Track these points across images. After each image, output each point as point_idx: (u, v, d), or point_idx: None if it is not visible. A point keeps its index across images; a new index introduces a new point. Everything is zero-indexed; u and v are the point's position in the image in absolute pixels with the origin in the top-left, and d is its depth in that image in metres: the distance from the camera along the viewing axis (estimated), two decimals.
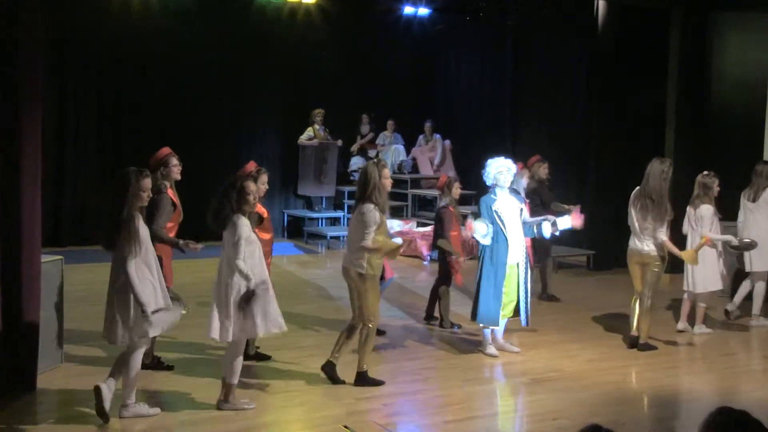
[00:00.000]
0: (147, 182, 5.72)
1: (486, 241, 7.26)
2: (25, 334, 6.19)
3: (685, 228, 8.45)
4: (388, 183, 6.64)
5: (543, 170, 9.72)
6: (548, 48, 13.52)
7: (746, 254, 8.79)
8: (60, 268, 6.87)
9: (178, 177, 6.97)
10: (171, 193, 6.88)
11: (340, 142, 14.28)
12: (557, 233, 7.89)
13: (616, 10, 11.97)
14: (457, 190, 8.53)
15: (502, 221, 7.24)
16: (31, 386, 6.23)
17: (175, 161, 6.97)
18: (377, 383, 6.56)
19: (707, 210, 8.20)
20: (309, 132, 14.02)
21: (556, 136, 12.90)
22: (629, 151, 11.34)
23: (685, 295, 8.53)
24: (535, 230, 7.62)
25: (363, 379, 6.57)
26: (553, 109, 13.35)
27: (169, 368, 6.88)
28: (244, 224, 5.79)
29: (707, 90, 11.59)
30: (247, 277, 5.71)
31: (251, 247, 5.81)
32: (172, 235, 6.84)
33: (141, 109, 13.20)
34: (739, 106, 11.14)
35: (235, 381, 5.96)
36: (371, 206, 6.41)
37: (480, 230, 7.24)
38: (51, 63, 11.42)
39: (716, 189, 8.30)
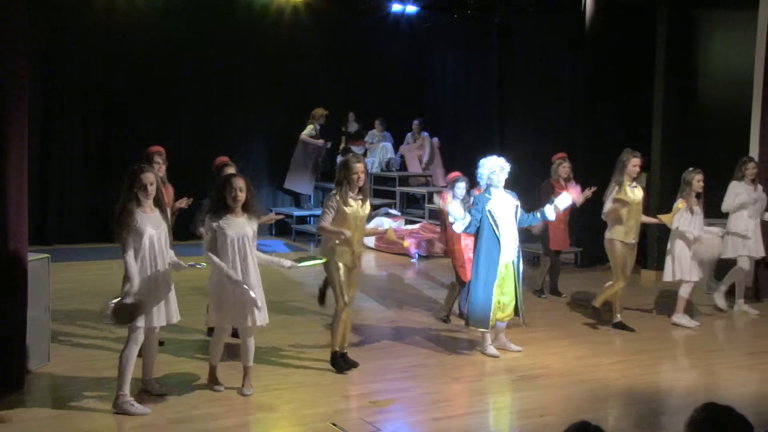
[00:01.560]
0: (145, 176, 5.83)
1: (458, 227, 7.31)
2: (13, 333, 6.16)
3: None
4: (355, 177, 6.66)
5: (562, 169, 9.64)
6: (535, 45, 13.55)
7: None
8: (47, 266, 6.84)
9: (161, 175, 7.11)
10: None
11: (329, 144, 14.31)
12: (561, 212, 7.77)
13: (603, 7, 12.01)
14: (460, 190, 8.53)
15: (495, 221, 7.19)
16: (19, 385, 6.20)
17: (158, 159, 7.12)
18: (350, 364, 6.84)
19: (680, 204, 8.44)
20: (311, 130, 14.01)
21: (544, 133, 12.94)
22: (616, 148, 11.35)
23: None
24: (539, 215, 7.52)
25: (332, 360, 6.85)
26: (540, 106, 13.38)
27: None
28: (207, 222, 6.16)
29: (694, 86, 11.64)
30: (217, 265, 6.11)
31: (222, 240, 6.06)
32: None
33: (127, 107, 13.18)
34: (726, 102, 11.19)
35: (213, 362, 6.36)
36: (331, 194, 6.76)
37: (454, 211, 7.30)
38: (37, 59, 11.39)
39: (697, 185, 8.42)
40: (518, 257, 7.37)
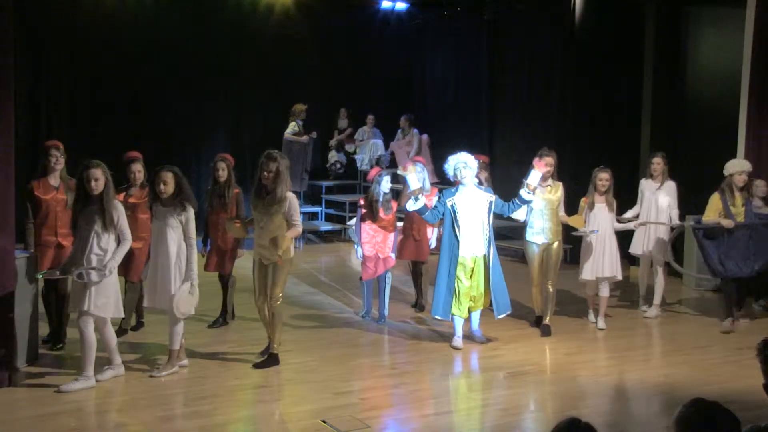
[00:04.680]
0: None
1: (410, 205, 7.44)
2: (1, 332, 6.13)
3: None
4: (263, 176, 6.72)
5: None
6: (525, 42, 13.57)
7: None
8: (34, 264, 6.81)
9: (57, 169, 7.19)
10: (38, 185, 7.13)
11: (314, 134, 14.22)
12: (534, 188, 7.65)
13: (592, 5, 12.03)
14: (386, 184, 8.47)
15: (455, 217, 7.37)
16: (8, 383, 6.17)
17: (54, 152, 7.18)
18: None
19: (583, 201, 8.42)
20: (294, 127, 13.97)
21: (533, 129, 12.94)
22: (606, 145, 11.41)
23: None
24: (518, 201, 7.51)
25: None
26: (529, 103, 13.40)
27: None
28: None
29: (682, 83, 11.67)
30: None
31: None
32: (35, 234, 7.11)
33: (115, 106, 13.10)
34: (714, 99, 11.21)
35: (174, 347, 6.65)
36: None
37: (411, 181, 7.38)
38: (22, 56, 11.32)
39: (600, 183, 8.26)
40: (493, 251, 7.47)
